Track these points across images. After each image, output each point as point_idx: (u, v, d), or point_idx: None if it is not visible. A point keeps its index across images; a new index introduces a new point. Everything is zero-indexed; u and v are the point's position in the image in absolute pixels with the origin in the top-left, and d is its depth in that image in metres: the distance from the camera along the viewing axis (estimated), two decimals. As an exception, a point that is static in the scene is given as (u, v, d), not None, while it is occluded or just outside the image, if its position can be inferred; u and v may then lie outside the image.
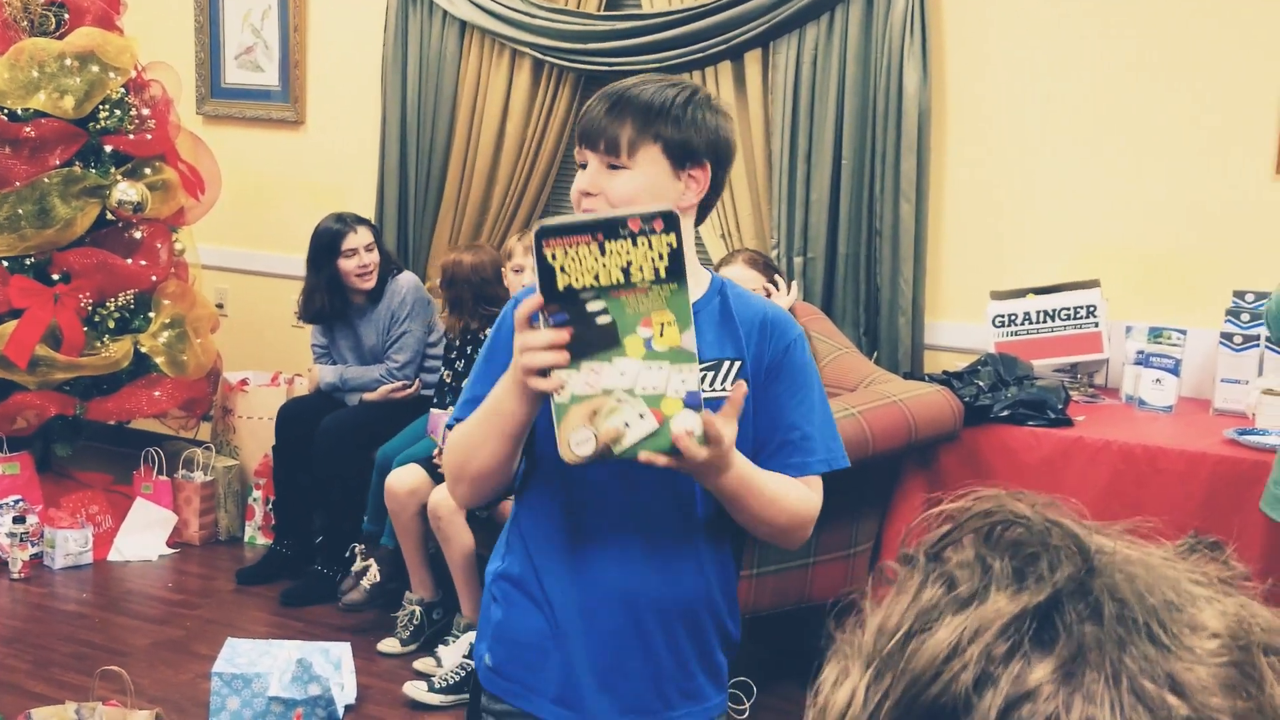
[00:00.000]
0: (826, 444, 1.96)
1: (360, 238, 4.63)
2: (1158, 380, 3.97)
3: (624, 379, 1.68)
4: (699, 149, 1.91)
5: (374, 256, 4.67)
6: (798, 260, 4.54)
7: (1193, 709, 0.60)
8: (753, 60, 4.57)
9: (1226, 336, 3.87)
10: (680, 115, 1.89)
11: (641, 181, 1.88)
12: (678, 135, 1.89)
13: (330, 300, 4.69)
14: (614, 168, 1.89)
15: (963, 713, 0.62)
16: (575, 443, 1.69)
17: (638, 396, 1.68)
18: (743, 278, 3.79)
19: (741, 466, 1.80)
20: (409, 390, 4.64)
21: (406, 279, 4.72)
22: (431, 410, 4.20)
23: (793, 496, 1.90)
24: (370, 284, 4.67)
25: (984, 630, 0.63)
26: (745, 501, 1.83)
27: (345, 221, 4.65)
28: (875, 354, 4.46)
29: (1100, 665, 0.61)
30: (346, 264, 4.62)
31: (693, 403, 1.68)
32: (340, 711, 3.65)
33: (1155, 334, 4.04)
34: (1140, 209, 4.21)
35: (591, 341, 1.68)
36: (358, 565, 4.46)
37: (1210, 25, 4.05)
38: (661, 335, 1.67)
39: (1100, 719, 0.60)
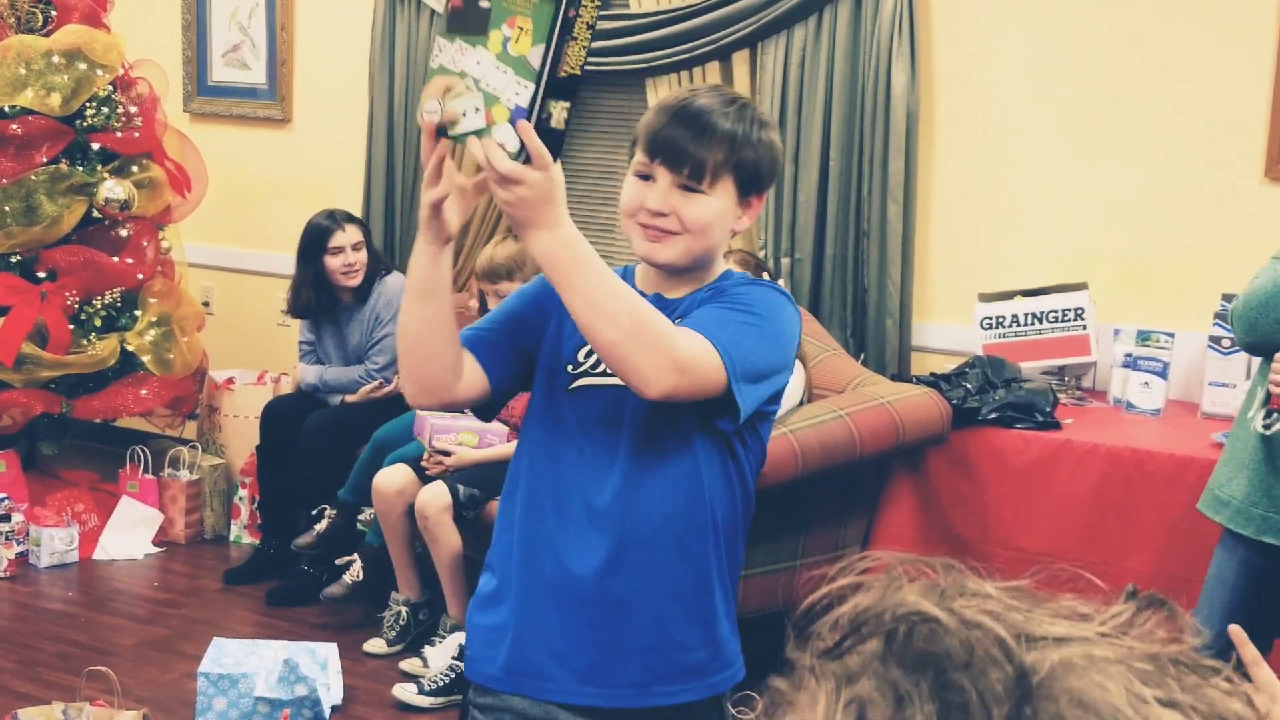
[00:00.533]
0: (724, 341, 1.82)
1: (348, 236, 4.61)
2: (1146, 383, 3.98)
3: (478, 68, 1.72)
4: (765, 179, 1.93)
5: (361, 256, 4.64)
6: (785, 261, 4.53)
7: None
8: (740, 61, 4.55)
9: (1215, 340, 3.86)
10: (757, 143, 1.89)
11: (717, 208, 1.88)
12: (753, 166, 1.89)
13: (316, 296, 4.67)
14: (689, 190, 1.87)
15: None
16: (426, 110, 1.75)
17: (480, 91, 1.71)
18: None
19: (573, 233, 1.75)
20: (387, 389, 4.61)
21: (394, 281, 4.68)
22: (418, 412, 4.17)
23: (642, 303, 1.79)
24: (355, 282, 4.65)
25: None
26: (573, 273, 1.74)
27: (335, 219, 4.64)
28: (862, 355, 4.45)
29: None
30: (332, 261, 4.60)
31: (515, 118, 1.68)
32: (326, 712, 3.63)
33: (1143, 337, 4.04)
34: (1129, 211, 4.21)
35: (469, 22, 1.73)
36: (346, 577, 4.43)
37: (1199, 27, 4.05)
38: (516, 41, 1.69)
39: None
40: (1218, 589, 2.96)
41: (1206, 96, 4.08)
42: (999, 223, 4.39)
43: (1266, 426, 2.83)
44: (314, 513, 4.48)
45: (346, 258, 4.60)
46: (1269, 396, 2.81)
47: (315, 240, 4.62)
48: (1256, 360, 3.00)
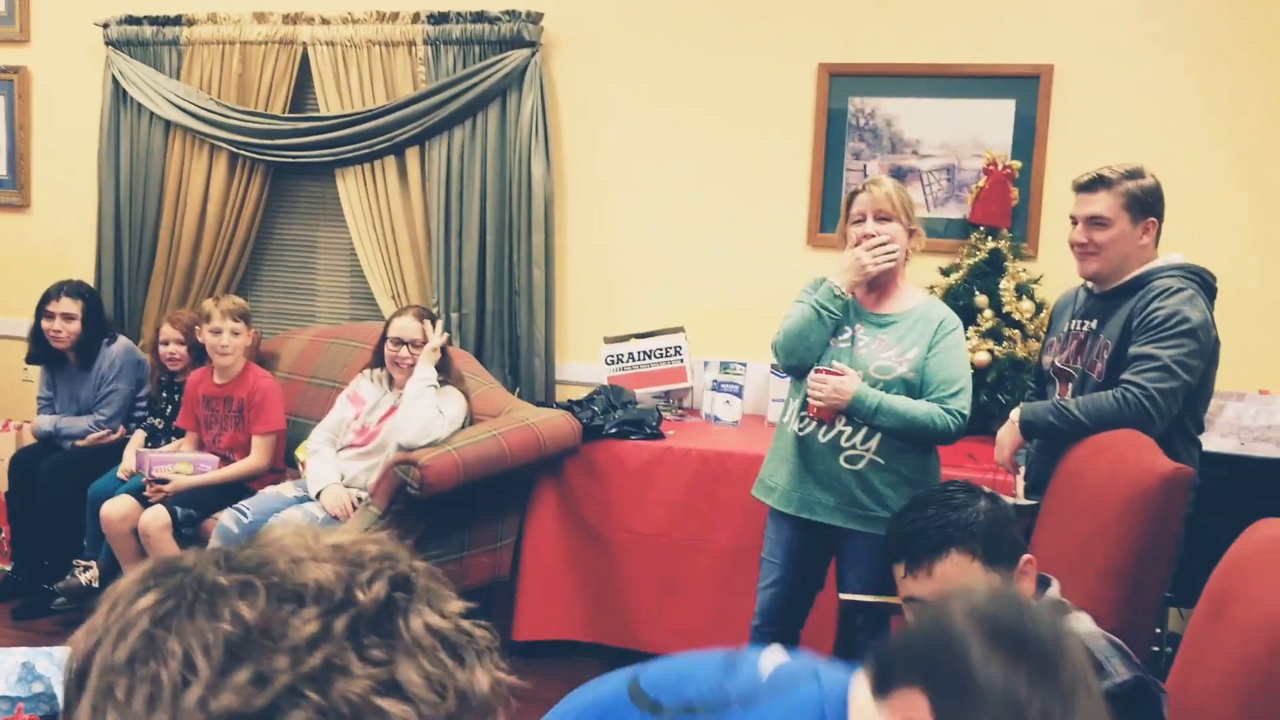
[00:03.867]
0: None
1: (61, 306, 4.44)
2: (727, 402, 4.24)
3: None
4: None
5: (70, 326, 4.45)
6: (455, 315, 4.63)
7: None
8: (412, 155, 4.66)
9: (775, 367, 4.16)
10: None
11: None
12: None
13: (37, 347, 4.51)
14: None
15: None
16: None
17: None
18: (411, 327, 3.87)
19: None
20: (113, 436, 4.48)
21: (117, 348, 4.53)
22: (137, 451, 4.11)
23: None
24: (59, 346, 4.48)
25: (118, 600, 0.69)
26: None
27: (60, 287, 4.48)
28: (518, 389, 4.59)
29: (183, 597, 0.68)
30: (45, 323, 4.46)
31: None
32: (62, 705, 3.50)
33: (725, 367, 4.31)
34: (712, 271, 4.48)
35: None
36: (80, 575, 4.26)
37: (757, 133, 4.38)
38: None
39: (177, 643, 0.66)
40: (769, 561, 3.13)
41: (766, 186, 4.40)
42: (618, 282, 4.61)
43: (801, 429, 3.04)
44: (69, 574, 4.29)
45: (54, 324, 4.44)
46: (805, 404, 3.02)
47: (40, 300, 4.48)
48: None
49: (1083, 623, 1.81)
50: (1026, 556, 1.85)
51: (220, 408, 4.10)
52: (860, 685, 1.22)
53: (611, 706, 1.35)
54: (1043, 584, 1.87)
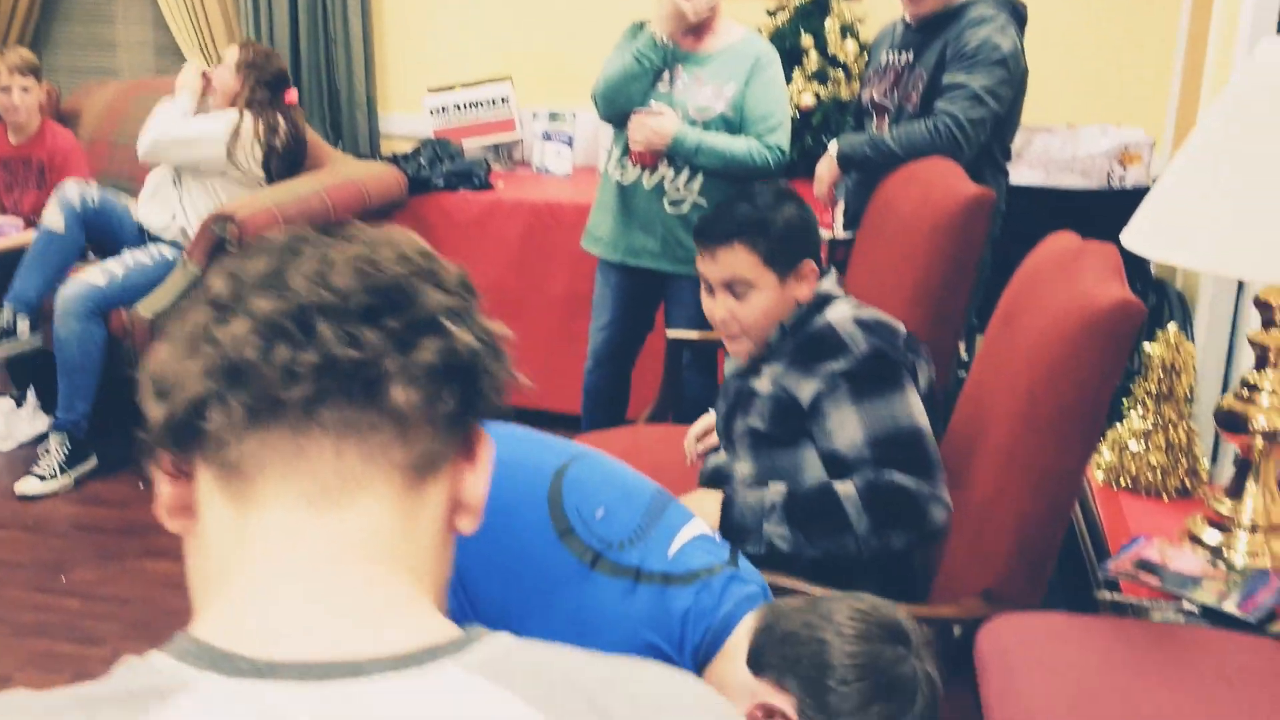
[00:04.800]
0: None
1: None
2: (558, 152, 4.22)
3: None
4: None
5: None
6: (268, 68, 4.43)
7: None
8: (210, -109, 4.35)
9: None
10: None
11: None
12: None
13: None
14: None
15: None
16: None
17: None
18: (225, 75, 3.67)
19: None
20: None
21: None
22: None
23: None
24: None
25: None
26: None
27: None
28: (340, 143, 4.47)
29: None
30: None
31: None
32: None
33: (554, 117, 4.27)
34: (538, 17, 4.36)
35: None
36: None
37: None
38: None
39: None
40: (600, 307, 3.19)
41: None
42: (440, 29, 4.45)
43: (624, 176, 3.01)
44: None
45: None
46: (626, 150, 2.99)
47: None
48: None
49: (838, 309, 1.93)
50: (808, 261, 1.96)
51: (20, 169, 3.87)
52: (741, 638, 1.35)
53: (531, 520, 1.47)
54: (823, 298, 1.98)
